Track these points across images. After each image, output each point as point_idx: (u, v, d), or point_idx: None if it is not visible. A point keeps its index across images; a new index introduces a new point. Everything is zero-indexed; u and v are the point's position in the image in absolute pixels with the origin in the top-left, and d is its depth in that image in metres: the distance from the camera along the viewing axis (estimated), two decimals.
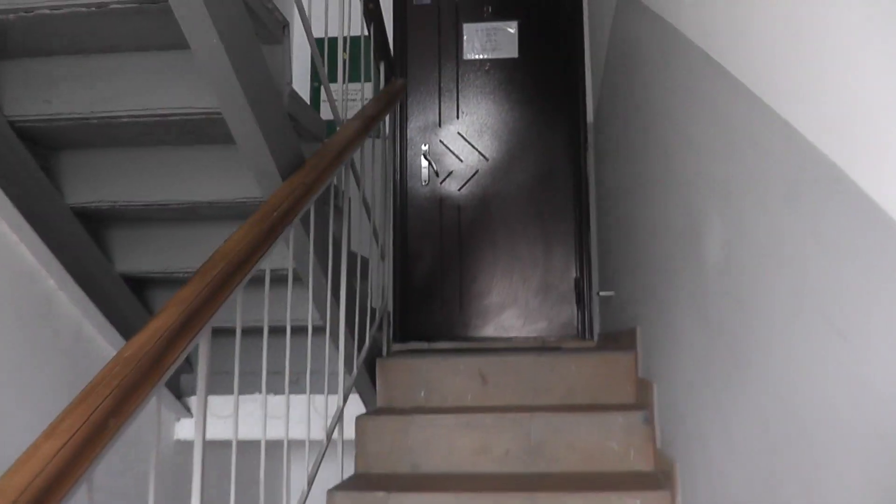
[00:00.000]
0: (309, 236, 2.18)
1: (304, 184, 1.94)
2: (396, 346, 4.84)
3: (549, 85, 4.99)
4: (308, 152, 2.41)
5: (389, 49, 3.23)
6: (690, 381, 1.91)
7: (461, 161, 5.00)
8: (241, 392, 1.88)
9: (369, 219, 2.95)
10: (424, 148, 5.02)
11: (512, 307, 4.89)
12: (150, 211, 2.63)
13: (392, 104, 3.07)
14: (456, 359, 3.02)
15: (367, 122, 2.58)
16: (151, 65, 2.24)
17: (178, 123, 2.28)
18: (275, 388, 2.23)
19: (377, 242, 3.10)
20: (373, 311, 3.04)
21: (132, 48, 2.24)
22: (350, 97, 4.73)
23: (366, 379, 2.99)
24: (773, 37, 1.30)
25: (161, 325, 1.29)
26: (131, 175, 2.57)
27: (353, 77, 4.67)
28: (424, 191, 5.01)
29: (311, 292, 2.31)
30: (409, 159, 5.04)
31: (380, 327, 3.13)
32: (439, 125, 5.04)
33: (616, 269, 3.73)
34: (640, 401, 2.78)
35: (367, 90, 4.88)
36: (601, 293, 3.93)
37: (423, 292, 4.96)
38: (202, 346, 1.47)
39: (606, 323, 4.34)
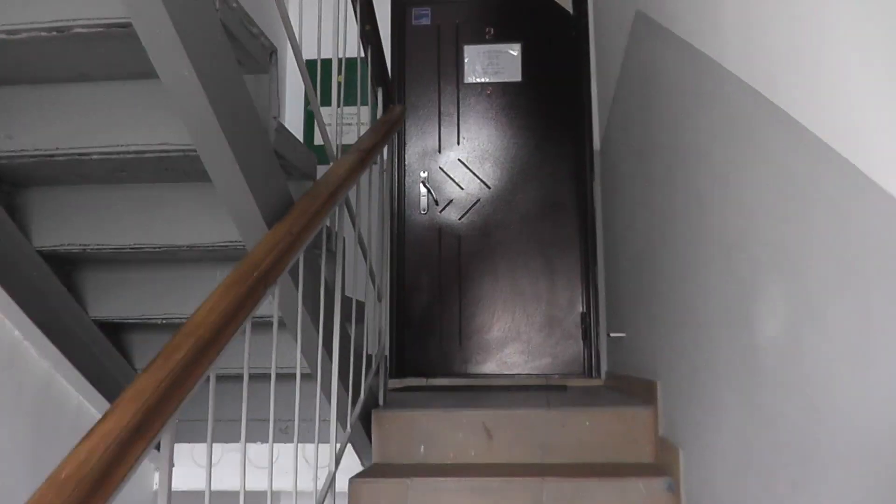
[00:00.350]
0: (297, 288, 1.94)
1: (291, 233, 1.70)
2: (393, 382, 4.59)
3: (553, 110, 4.78)
4: (298, 192, 2.18)
5: (388, 74, 3.01)
6: (734, 467, 1.67)
7: (462, 189, 4.77)
8: (227, 440, 1.65)
9: (365, 259, 2.72)
10: (423, 175, 4.79)
11: (514, 343, 4.65)
12: (124, 254, 2.39)
13: (390, 133, 2.84)
14: (458, 412, 2.77)
15: (363, 157, 2.35)
16: (123, 96, 2.02)
17: (154, 161, 2.05)
18: (263, 437, 2.04)
19: (374, 283, 2.86)
20: (368, 357, 2.81)
21: (102, 77, 2.02)
22: (346, 121, 4.51)
23: (361, 432, 2.75)
24: (860, 80, 1.07)
25: (110, 430, 1.04)
26: (104, 215, 2.33)
27: (350, 100, 4.45)
28: (423, 220, 4.77)
29: (299, 345, 2.08)
30: (407, 187, 4.81)
31: (376, 373, 2.89)
32: (439, 151, 4.82)
33: (628, 311, 3.50)
34: (661, 462, 2.54)
35: (364, 113, 4.68)
36: (612, 334, 3.70)
37: (421, 326, 4.72)
38: (166, 438, 1.23)
39: (615, 363, 4.10)
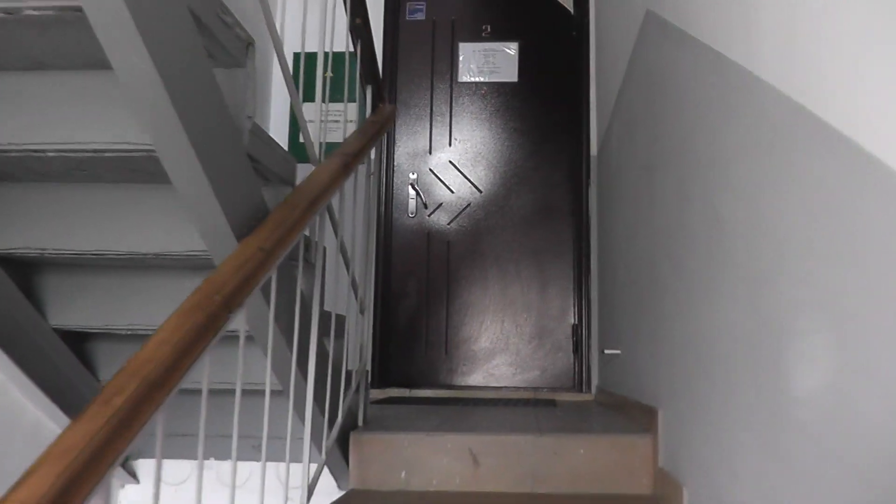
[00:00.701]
0: (269, 305, 1.75)
1: (263, 249, 1.51)
2: (375, 393, 4.41)
3: (550, 113, 4.60)
4: (275, 199, 2.00)
5: (378, 72, 2.81)
6: None
7: (452, 192, 4.58)
8: (196, 457, 1.46)
9: (347, 270, 2.53)
10: (413, 177, 4.60)
11: (502, 354, 4.47)
12: (85, 259, 2.20)
13: (379, 135, 2.65)
14: (443, 436, 2.59)
15: (348, 162, 2.16)
16: (83, 87, 1.82)
17: (116, 160, 1.85)
18: (241, 455, 1.83)
19: (356, 295, 2.67)
20: (348, 373, 2.62)
21: (59, 66, 1.82)
22: (332, 118, 4.31)
23: (338, 455, 2.56)
24: None
25: (27, 498, 0.85)
26: (63, 216, 2.13)
27: (337, 96, 4.25)
28: (411, 223, 4.59)
29: (269, 366, 1.89)
30: (395, 188, 4.62)
31: (357, 390, 2.70)
32: (430, 152, 4.63)
33: (625, 327, 3.32)
34: (660, 494, 2.36)
35: (352, 111, 4.49)
36: (607, 351, 3.52)
37: (406, 334, 4.53)
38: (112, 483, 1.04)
39: (607, 378, 3.93)
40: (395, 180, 4.62)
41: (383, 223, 4.57)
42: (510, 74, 4.63)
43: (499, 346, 4.47)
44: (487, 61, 4.65)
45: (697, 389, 1.97)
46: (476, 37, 4.69)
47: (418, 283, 4.55)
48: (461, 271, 4.53)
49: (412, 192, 4.57)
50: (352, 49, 2.62)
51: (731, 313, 1.62)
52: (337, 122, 4.34)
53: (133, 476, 3.08)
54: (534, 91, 4.62)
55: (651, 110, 2.70)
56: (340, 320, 2.64)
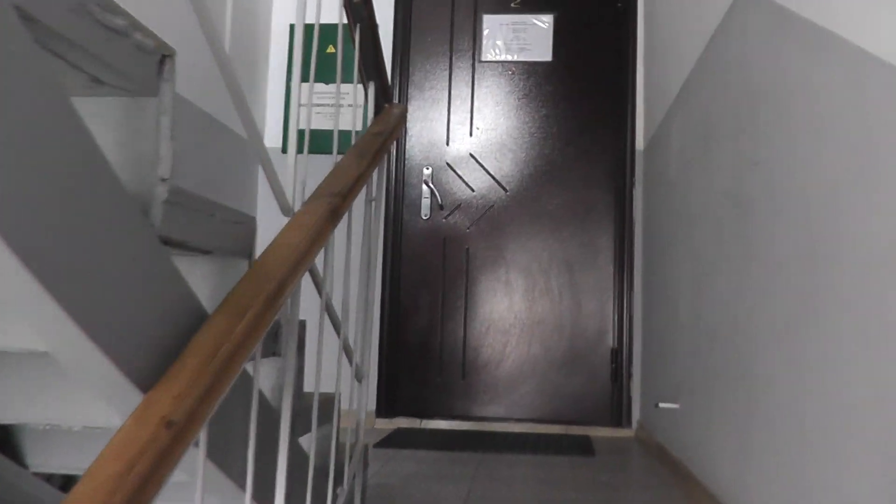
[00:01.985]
0: (200, 446, 1.12)
1: (171, 424, 0.88)
2: (381, 423, 3.81)
3: (589, 98, 3.91)
4: (221, 283, 1.36)
5: (383, 64, 2.15)
6: None
7: (472, 191, 3.93)
8: None
9: (338, 334, 1.89)
10: (427, 172, 3.94)
11: (529, 380, 3.84)
12: None
13: (383, 151, 2.00)
14: None
15: (337, 206, 1.52)
16: None
17: None
18: None
19: (350, 361, 2.04)
20: (339, 464, 2.00)
21: None
22: (317, 101, 3.64)
23: None
24: None
25: None
26: None
27: (323, 77, 3.59)
28: (424, 226, 3.94)
29: None
30: (406, 185, 3.97)
31: (353, 476, 2.09)
32: (447, 143, 3.96)
33: (685, 378, 2.68)
34: None
35: (348, 102, 3.82)
36: (661, 405, 2.88)
37: (417, 354, 3.91)
38: None
39: (652, 416, 3.30)
40: (406, 176, 3.96)
41: (392, 226, 3.92)
42: (543, 52, 3.94)
43: (525, 371, 3.84)
44: (516, 37, 3.96)
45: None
46: (503, 8, 3.99)
47: (432, 297, 3.92)
48: (482, 283, 3.89)
49: (426, 191, 3.92)
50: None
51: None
52: (349, 105, 3.69)
53: None
54: (570, 72, 3.93)
55: (743, 122, 2.04)
56: (327, 400, 2.01)
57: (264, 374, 1.56)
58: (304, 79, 3.91)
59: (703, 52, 2.52)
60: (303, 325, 1.67)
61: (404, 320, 3.92)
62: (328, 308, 1.81)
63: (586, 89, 3.91)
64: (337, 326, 1.87)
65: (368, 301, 2.10)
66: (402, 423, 3.84)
